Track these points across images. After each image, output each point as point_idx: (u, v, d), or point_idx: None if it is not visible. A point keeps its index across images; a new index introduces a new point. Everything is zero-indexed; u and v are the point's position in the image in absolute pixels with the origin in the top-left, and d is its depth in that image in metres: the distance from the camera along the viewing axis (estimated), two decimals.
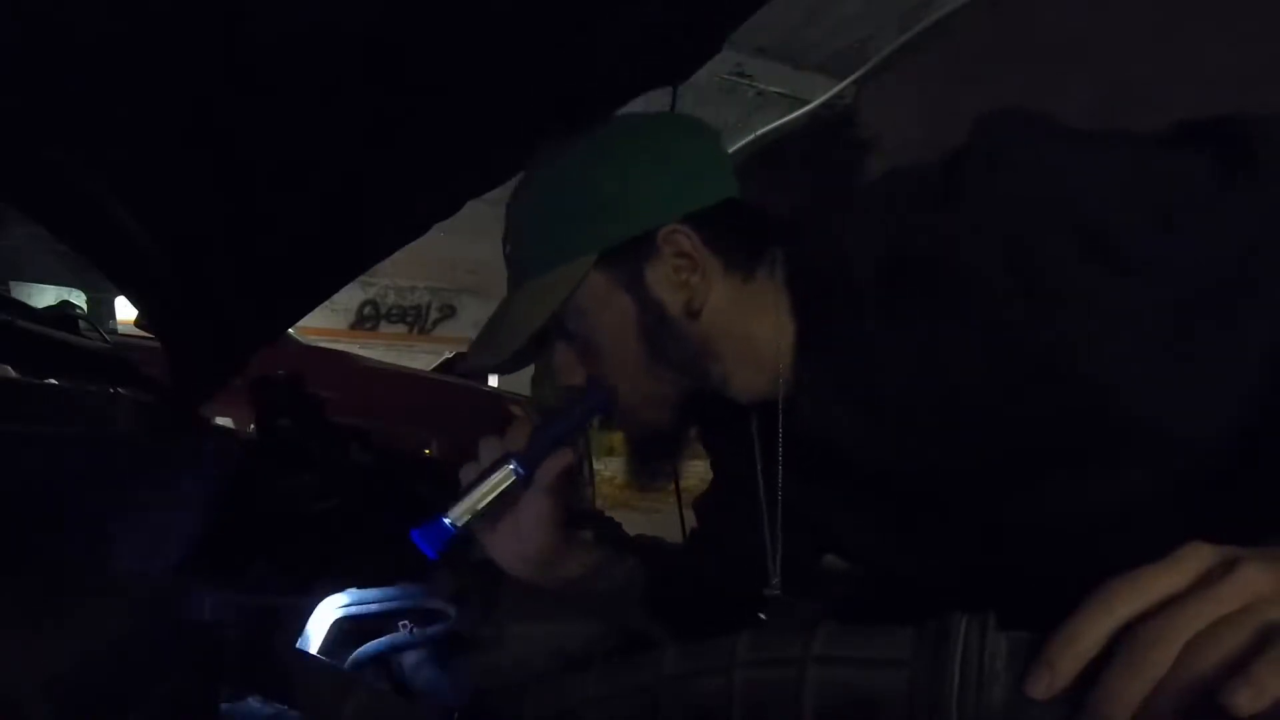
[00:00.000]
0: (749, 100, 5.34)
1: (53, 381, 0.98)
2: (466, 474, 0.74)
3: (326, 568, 0.99)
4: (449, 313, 9.73)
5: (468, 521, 0.71)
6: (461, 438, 3.52)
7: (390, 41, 0.75)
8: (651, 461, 0.80)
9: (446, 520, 0.71)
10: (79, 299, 3.34)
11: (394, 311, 9.44)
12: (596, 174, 0.73)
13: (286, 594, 0.93)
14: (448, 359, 9.62)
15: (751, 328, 0.73)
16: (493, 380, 9.37)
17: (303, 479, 1.16)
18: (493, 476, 0.72)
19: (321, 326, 8.08)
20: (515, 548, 0.78)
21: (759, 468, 0.81)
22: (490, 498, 0.72)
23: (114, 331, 3.34)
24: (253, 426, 1.24)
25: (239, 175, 0.88)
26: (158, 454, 0.96)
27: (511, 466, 0.72)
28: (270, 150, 0.86)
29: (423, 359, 8.98)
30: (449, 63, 0.79)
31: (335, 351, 4.33)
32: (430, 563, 0.73)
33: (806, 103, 1.92)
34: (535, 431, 0.75)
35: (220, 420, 1.95)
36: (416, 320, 9.62)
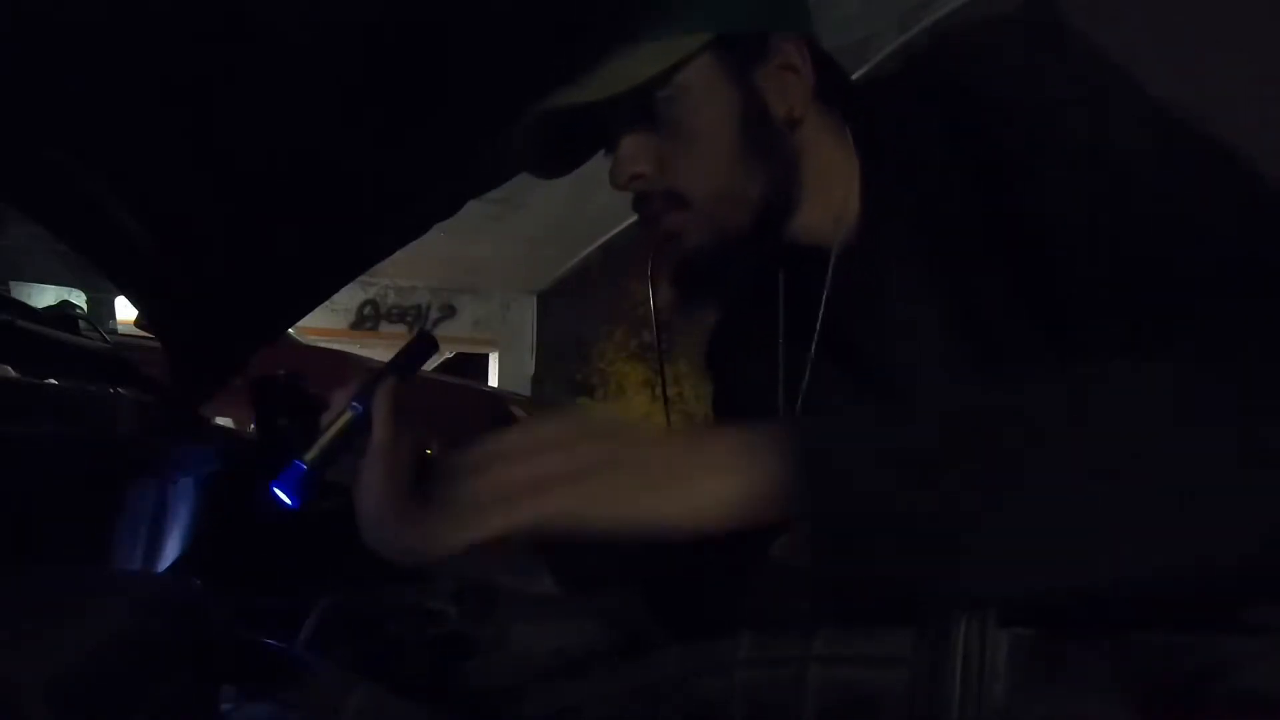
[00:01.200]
0: None
1: (53, 381, 0.98)
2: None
3: (326, 568, 0.99)
4: (449, 313, 9.72)
5: (316, 459, 0.79)
6: (461, 438, 3.51)
7: (391, 41, 0.75)
8: (698, 279, 0.77)
9: (301, 463, 0.78)
10: (79, 299, 3.34)
11: (394, 311, 9.43)
12: None
13: (286, 594, 0.93)
14: (448, 359, 9.63)
15: (828, 161, 0.74)
16: (493, 377, 9.38)
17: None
18: (339, 418, 0.81)
19: (321, 326, 8.06)
20: (360, 512, 0.79)
21: (781, 331, 0.81)
22: (333, 432, 0.80)
23: (114, 331, 3.34)
24: (253, 426, 1.24)
25: (239, 175, 0.88)
26: (158, 454, 0.96)
27: (351, 403, 0.81)
28: (271, 150, 0.86)
29: None
30: (450, 62, 0.79)
31: (335, 351, 4.33)
32: (294, 513, 0.79)
33: None
34: (370, 375, 0.83)
35: (220, 420, 1.94)
36: (416, 320, 9.60)
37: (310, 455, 0.79)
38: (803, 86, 0.73)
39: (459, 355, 9.73)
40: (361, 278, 1.16)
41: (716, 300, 0.81)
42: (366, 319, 9.32)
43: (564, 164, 0.79)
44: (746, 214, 0.73)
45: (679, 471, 0.48)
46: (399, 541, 0.79)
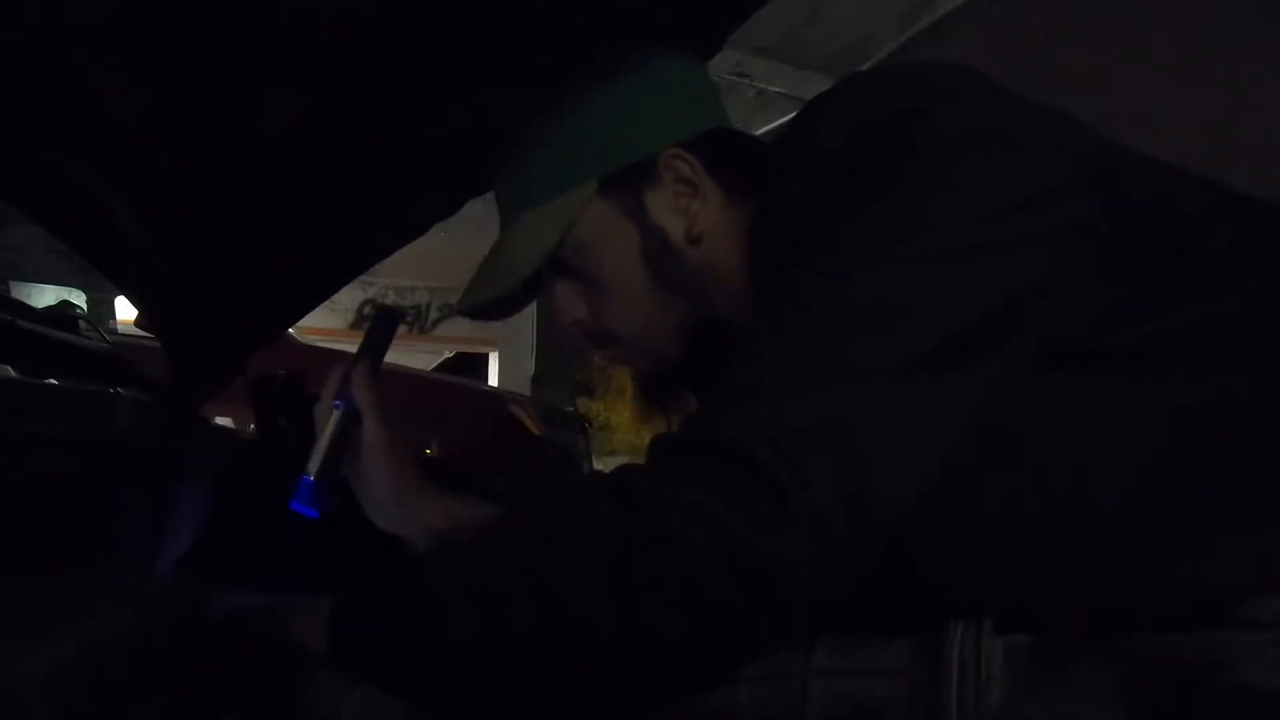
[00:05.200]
0: (749, 100, 5.33)
1: (53, 381, 0.98)
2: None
3: (326, 567, 0.99)
4: (449, 313, 9.72)
5: (321, 468, 0.81)
6: (461, 438, 3.52)
7: (392, 41, 0.75)
8: (659, 393, 0.79)
9: (308, 478, 0.80)
10: (79, 299, 3.34)
11: None
12: (594, 102, 0.73)
13: (286, 594, 0.93)
14: (448, 359, 9.62)
15: (747, 255, 0.71)
16: (493, 377, 9.37)
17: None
18: (328, 422, 0.82)
19: (321, 326, 8.05)
20: (368, 497, 0.82)
21: None
22: (327, 437, 0.82)
23: (114, 331, 3.34)
24: (253, 426, 1.24)
25: (239, 175, 0.88)
26: (157, 454, 0.96)
27: (335, 403, 0.82)
28: (271, 150, 0.86)
29: (423, 359, 8.97)
30: (450, 62, 0.80)
31: (335, 351, 4.32)
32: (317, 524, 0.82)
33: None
34: (343, 369, 0.84)
35: (220, 420, 1.94)
36: (416, 320, 9.61)
37: (313, 466, 0.81)
38: (702, 196, 0.72)
39: (459, 355, 9.72)
40: (361, 278, 1.15)
41: (680, 402, 0.80)
42: (366, 319, 9.31)
43: (511, 310, 0.81)
44: (674, 340, 0.74)
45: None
46: (409, 511, 0.81)
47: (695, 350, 0.74)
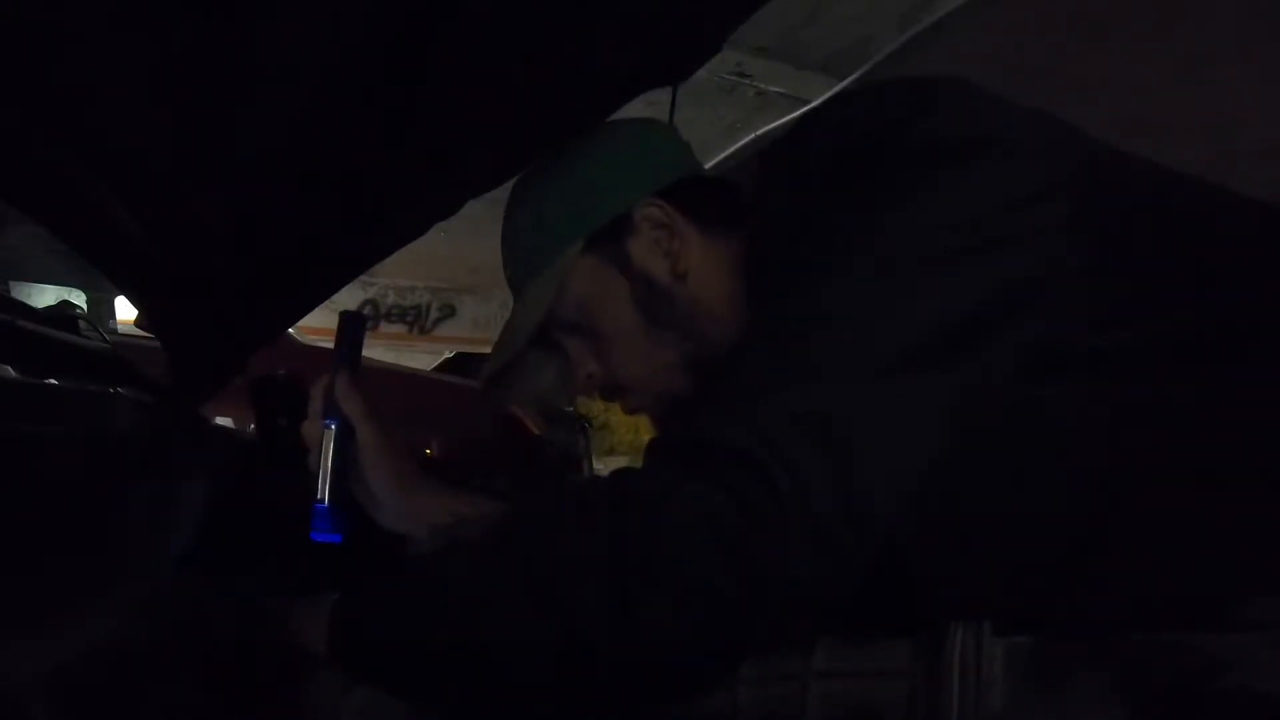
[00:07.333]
0: (749, 100, 5.33)
1: (53, 381, 0.98)
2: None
3: (325, 567, 0.99)
4: (449, 313, 9.71)
5: (331, 492, 0.81)
6: (462, 438, 3.52)
7: (392, 41, 0.75)
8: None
9: (321, 504, 0.81)
10: (79, 299, 3.34)
11: (394, 311, 9.42)
12: (568, 175, 0.81)
13: (286, 594, 0.93)
14: (448, 359, 9.62)
15: (733, 283, 0.76)
16: None
17: (302, 478, 1.15)
18: (324, 443, 0.83)
19: (321, 326, 8.06)
20: (370, 497, 0.84)
21: None
22: (329, 459, 0.82)
23: (114, 331, 3.34)
24: (253, 426, 1.24)
25: (239, 174, 0.88)
26: (158, 454, 0.96)
27: (324, 423, 0.83)
28: (271, 150, 0.86)
29: (423, 359, 8.96)
30: (451, 62, 0.80)
31: None
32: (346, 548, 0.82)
33: (806, 103, 1.92)
34: (325, 385, 0.85)
35: (220, 420, 1.94)
36: (416, 320, 9.60)
37: (323, 493, 0.82)
38: (678, 238, 0.78)
39: (459, 355, 9.71)
40: (361, 278, 1.15)
41: None
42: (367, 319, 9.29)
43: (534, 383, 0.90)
44: (679, 377, 0.79)
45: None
46: (411, 508, 0.82)
47: (700, 386, 0.78)
